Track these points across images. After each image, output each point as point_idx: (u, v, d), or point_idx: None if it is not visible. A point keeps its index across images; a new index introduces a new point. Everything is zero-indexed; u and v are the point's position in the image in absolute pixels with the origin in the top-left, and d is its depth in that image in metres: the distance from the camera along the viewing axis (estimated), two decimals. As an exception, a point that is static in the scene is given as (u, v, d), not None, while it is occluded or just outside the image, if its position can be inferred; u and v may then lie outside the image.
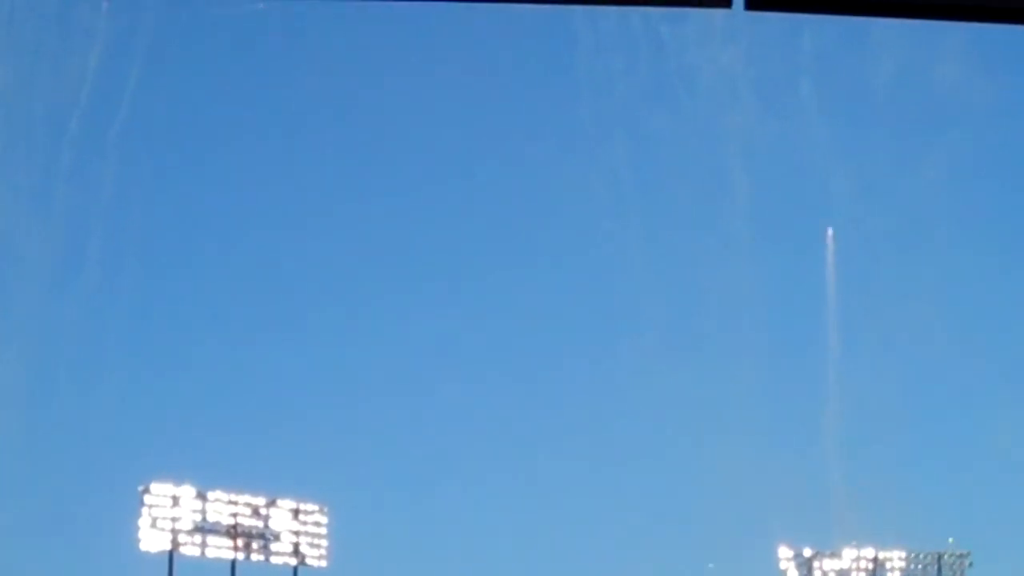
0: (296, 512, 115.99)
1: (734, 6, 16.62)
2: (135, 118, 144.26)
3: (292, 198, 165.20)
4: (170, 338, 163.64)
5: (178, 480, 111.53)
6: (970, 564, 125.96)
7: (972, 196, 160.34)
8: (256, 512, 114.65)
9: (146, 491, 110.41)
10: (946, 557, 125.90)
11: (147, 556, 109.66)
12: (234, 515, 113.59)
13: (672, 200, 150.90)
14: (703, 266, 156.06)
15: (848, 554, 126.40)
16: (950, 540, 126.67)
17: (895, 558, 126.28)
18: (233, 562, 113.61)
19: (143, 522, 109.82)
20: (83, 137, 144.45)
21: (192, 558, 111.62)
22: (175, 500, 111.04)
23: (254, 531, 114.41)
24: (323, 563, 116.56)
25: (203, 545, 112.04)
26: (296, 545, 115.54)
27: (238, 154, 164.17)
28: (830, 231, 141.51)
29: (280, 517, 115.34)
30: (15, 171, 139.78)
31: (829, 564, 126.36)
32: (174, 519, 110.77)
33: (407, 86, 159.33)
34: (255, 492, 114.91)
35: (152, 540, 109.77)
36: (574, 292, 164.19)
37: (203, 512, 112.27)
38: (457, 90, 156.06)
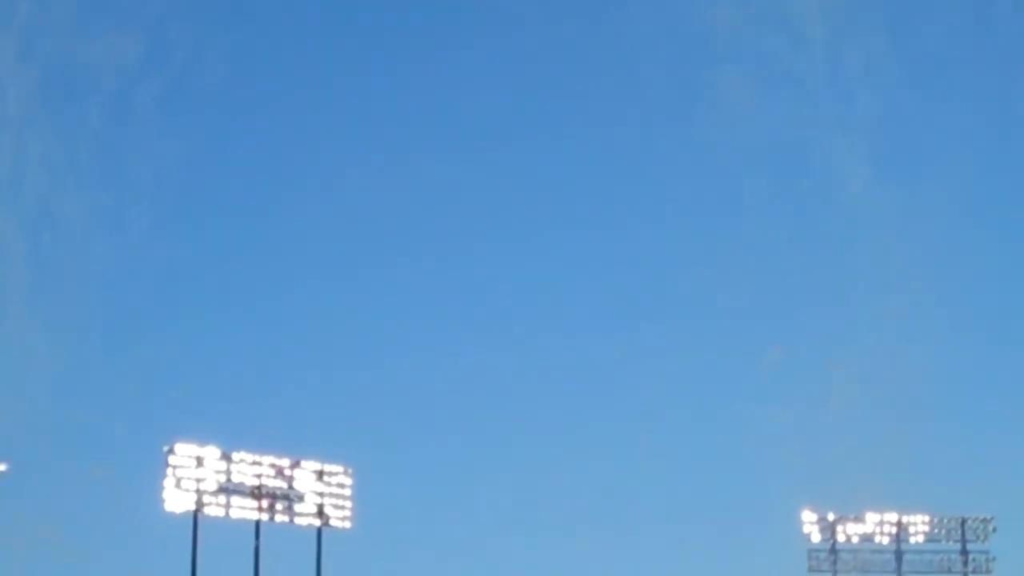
0: (320, 473, 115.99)
1: None
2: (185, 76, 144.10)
3: (323, 160, 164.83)
4: (195, 299, 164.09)
5: (202, 441, 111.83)
6: (994, 529, 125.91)
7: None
8: (280, 473, 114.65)
9: (171, 451, 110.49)
10: (970, 522, 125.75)
11: (172, 516, 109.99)
12: (258, 476, 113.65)
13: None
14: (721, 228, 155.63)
15: (871, 518, 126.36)
16: None
17: (918, 522, 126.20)
18: (257, 523, 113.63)
19: (168, 482, 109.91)
20: (132, 89, 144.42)
21: (217, 518, 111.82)
22: (199, 461, 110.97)
23: (278, 492, 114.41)
24: (347, 524, 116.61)
25: (227, 506, 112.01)
26: (320, 506, 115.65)
27: (282, 115, 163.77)
28: None
29: (304, 478, 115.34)
30: (57, 122, 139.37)
31: (853, 528, 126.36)
32: (199, 480, 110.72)
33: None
34: (279, 453, 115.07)
35: (177, 500, 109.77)
36: (596, 259, 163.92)
37: (228, 473, 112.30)
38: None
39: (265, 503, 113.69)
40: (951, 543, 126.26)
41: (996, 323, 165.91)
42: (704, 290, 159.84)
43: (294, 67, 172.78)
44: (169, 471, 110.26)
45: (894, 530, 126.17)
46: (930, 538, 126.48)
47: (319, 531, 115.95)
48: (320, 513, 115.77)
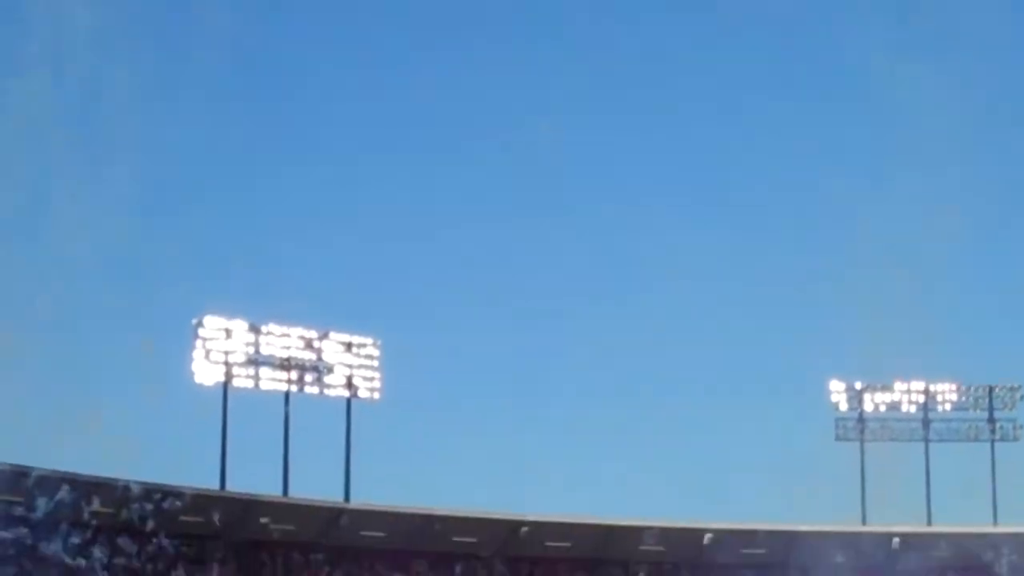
0: (349, 345, 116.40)
1: None
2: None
3: (373, 52, 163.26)
4: (225, 172, 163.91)
5: (231, 314, 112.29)
6: (1021, 397, 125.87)
7: None
8: (309, 345, 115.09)
9: (199, 324, 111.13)
10: (997, 390, 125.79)
11: (202, 388, 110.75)
12: (287, 348, 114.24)
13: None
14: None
15: (899, 387, 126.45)
16: None
17: (946, 391, 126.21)
18: (287, 394, 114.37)
19: (197, 355, 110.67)
20: None
21: (246, 390, 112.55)
22: (228, 333, 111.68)
23: (307, 364, 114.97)
24: (376, 395, 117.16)
25: (256, 378, 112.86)
26: (349, 378, 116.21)
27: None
28: None
29: (333, 350, 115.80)
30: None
31: (880, 397, 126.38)
32: (227, 352, 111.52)
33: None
34: (308, 325, 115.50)
35: (206, 373, 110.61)
36: (627, 150, 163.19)
37: (256, 345, 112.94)
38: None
39: (294, 375, 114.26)
40: (979, 411, 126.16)
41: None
42: (727, 171, 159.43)
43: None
44: (198, 343, 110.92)
45: (922, 398, 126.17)
46: (957, 406, 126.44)
47: (348, 402, 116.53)
48: (349, 384, 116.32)
